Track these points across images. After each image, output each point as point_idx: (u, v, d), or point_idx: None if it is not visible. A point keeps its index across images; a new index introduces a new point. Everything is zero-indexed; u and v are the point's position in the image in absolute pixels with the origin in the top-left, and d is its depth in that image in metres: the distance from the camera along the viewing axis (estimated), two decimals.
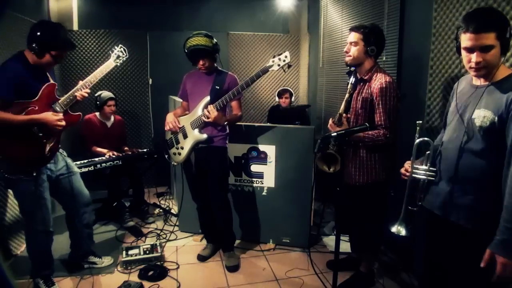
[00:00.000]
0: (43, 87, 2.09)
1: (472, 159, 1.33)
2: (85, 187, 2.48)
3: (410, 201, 1.57)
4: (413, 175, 1.55)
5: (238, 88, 2.36)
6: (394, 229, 1.56)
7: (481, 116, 1.29)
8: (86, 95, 2.21)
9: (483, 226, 1.31)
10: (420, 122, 1.58)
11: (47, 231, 2.25)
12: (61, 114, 2.11)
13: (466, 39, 1.28)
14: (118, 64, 2.33)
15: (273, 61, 2.30)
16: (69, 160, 2.40)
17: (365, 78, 2.12)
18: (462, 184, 1.37)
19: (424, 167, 1.52)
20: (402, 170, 1.63)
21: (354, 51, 2.09)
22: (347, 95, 2.15)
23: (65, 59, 4.00)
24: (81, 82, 2.21)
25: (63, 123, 2.09)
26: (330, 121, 2.15)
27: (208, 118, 2.37)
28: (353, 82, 2.14)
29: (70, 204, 2.42)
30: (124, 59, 2.34)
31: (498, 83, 1.31)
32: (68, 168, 2.36)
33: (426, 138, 1.54)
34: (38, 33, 1.99)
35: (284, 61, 2.28)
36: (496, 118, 1.25)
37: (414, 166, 1.55)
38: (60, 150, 2.36)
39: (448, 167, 1.42)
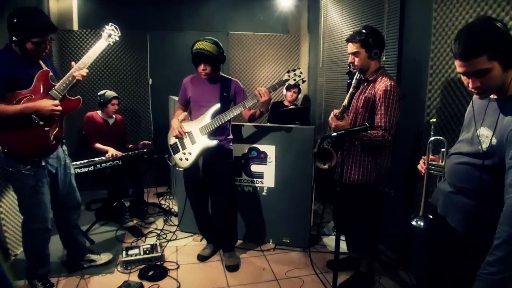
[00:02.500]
0: (36, 75, 2.05)
1: (473, 172, 1.30)
2: (77, 190, 2.46)
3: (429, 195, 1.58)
4: (429, 171, 1.56)
5: (255, 103, 2.41)
6: (414, 222, 1.56)
7: (484, 135, 1.25)
8: (85, 74, 2.16)
9: (474, 232, 1.30)
10: (434, 120, 1.59)
11: (45, 229, 2.23)
12: (57, 100, 2.07)
13: (457, 65, 1.21)
14: (111, 43, 2.29)
15: (289, 75, 2.40)
16: (68, 160, 2.39)
17: (370, 78, 2.13)
18: (460, 191, 1.36)
19: (439, 163, 1.54)
20: (419, 167, 1.64)
21: (358, 61, 2.11)
22: (351, 90, 2.14)
23: (64, 60, 4.00)
24: (75, 64, 2.16)
25: (60, 107, 2.05)
26: (332, 114, 2.12)
27: (261, 96, 2.36)
28: (358, 77, 2.13)
29: (58, 204, 2.38)
30: (117, 37, 2.28)
31: (508, 100, 1.21)
32: (65, 169, 2.34)
33: (439, 137, 1.55)
34: (14, 21, 1.91)
35: (299, 76, 2.39)
36: (497, 141, 1.20)
37: (430, 162, 1.56)
38: (63, 148, 2.35)
39: (450, 173, 1.42)
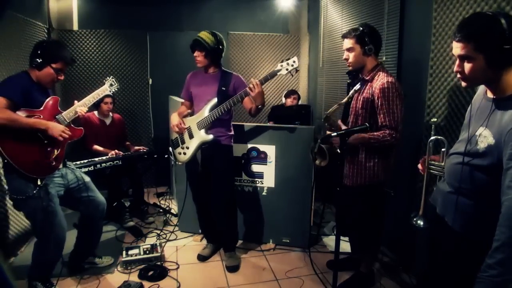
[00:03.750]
0: (48, 99, 2.18)
1: (471, 172, 1.29)
2: (99, 193, 2.48)
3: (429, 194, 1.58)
4: (429, 170, 1.56)
5: (246, 91, 2.36)
6: (413, 222, 1.56)
7: (482, 135, 1.25)
8: (84, 112, 2.31)
9: (472, 232, 1.30)
10: (435, 120, 1.59)
11: (59, 248, 2.26)
12: (68, 129, 2.17)
13: (453, 46, 1.25)
14: (111, 92, 2.54)
15: (281, 66, 2.32)
16: (77, 172, 2.41)
17: (367, 78, 2.11)
18: (458, 191, 1.36)
19: (439, 163, 1.54)
20: (419, 166, 1.64)
21: (352, 57, 2.10)
22: (345, 99, 2.13)
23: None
24: (77, 102, 2.30)
25: (69, 133, 2.15)
26: (327, 131, 2.16)
27: (252, 91, 2.32)
28: (357, 88, 2.11)
29: (87, 212, 2.44)
30: (116, 89, 2.52)
31: (506, 100, 1.20)
32: (78, 180, 2.37)
33: (440, 137, 1.55)
34: (39, 49, 2.10)
35: (292, 65, 2.30)
36: (494, 141, 1.20)
37: (430, 162, 1.56)
38: (68, 163, 2.39)
39: (449, 173, 1.42)
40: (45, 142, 2.12)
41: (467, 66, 1.21)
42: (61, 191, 2.27)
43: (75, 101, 2.31)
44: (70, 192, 2.32)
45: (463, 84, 1.29)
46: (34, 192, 2.08)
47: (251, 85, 2.33)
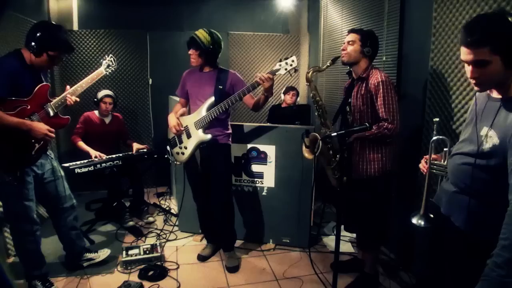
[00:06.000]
0: (37, 87, 2.10)
1: (476, 172, 1.28)
2: (69, 191, 2.45)
3: (430, 194, 1.58)
4: (431, 170, 1.56)
5: (244, 90, 2.34)
6: (414, 220, 1.56)
7: (488, 136, 1.24)
8: (73, 102, 2.23)
9: (479, 231, 1.30)
10: (437, 119, 1.60)
11: (34, 230, 2.23)
12: (53, 130, 2.12)
13: (462, 52, 1.21)
14: (108, 73, 2.43)
15: (280, 65, 2.28)
16: (55, 164, 2.37)
17: (363, 76, 2.17)
18: (464, 190, 1.35)
19: (441, 163, 1.54)
20: (420, 165, 1.64)
21: (351, 49, 2.18)
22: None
23: (64, 60, 4.00)
24: (69, 88, 2.24)
25: (52, 135, 2.09)
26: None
27: (263, 82, 2.25)
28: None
29: (53, 208, 2.41)
30: (113, 68, 2.44)
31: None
32: (53, 172, 2.33)
33: (442, 137, 1.55)
34: (38, 33, 2.01)
35: (291, 65, 2.26)
36: (499, 141, 1.19)
37: (432, 161, 1.56)
38: (48, 152, 2.34)
39: (454, 174, 1.41)
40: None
41: (484, 71, 1.17)
42: (37, 178, 2.22)
43: (67, 86, 2.24)
44: (42, 183, 2.27)
45: (477, 88, 1.26)
46: (10, 179, 2.04)
47: (258, 79, 2.26)
